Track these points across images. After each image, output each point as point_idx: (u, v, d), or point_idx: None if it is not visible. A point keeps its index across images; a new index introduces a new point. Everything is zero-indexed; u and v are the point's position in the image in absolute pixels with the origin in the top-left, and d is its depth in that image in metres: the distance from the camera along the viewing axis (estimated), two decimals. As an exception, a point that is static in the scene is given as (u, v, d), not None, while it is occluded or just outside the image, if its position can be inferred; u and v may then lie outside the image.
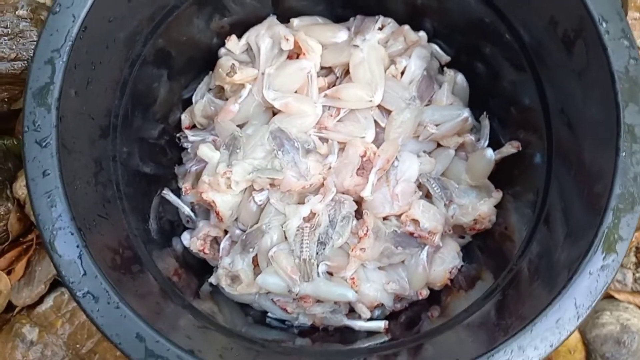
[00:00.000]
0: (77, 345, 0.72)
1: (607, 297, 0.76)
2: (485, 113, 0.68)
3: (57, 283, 0.76)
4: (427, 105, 0.68)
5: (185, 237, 0.69)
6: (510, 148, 0.63)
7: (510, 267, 0.58)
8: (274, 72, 0.65)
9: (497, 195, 0.65)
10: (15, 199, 0.75)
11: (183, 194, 0.68)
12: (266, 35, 0.68)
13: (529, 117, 0.62)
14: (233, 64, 0.66)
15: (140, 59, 0.60)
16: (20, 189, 0.75)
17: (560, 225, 0.53)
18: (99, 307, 0.44)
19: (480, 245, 0.68)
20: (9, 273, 0.76)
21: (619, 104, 0.47)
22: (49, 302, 0.75)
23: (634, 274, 0.78)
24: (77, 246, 0.44)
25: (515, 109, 0.66)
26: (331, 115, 0.66)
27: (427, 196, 0.66)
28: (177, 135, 0.73)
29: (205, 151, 0.63)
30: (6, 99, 0.74)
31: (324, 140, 0.65)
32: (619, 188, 0.46)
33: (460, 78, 0.70)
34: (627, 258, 0.78)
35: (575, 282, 0.46)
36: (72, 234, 0.44)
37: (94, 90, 0.52)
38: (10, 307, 0.76)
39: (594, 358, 0.72)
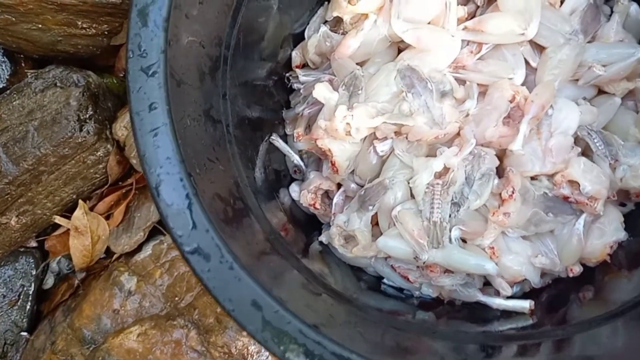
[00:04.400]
0: (176, 298, 0.68)
1: None
2: (665, 53, 0.55)
3: (156, 230, 0.72)
4: (590, 41, 0.55)
5: (294, 189, 0.61)
6: None
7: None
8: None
9: (679, 155, 0.52)
10: (115, 141, 0.71)
11: (295, 140, 0.60)
12: (395, -45, 0.57)
13: None
14: (356, -11, 0.56)
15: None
16: (120, 130, 0.71)
17: None
18: (210, 267, 0.37)
19: (647, 216, 0.56)
20: (107, 218, 0.73)
21: None
22: (147, 250, 0.72)
23: None
24: (187, 195, 0.38)
25: None
26: (471, 52, 0.55)
27: (585, 154, 0.55)
28: (287, 74, 0.65)
29: (322, 91, 0.55)
30: (106, 32, 0.69)
31: (460, 82, 0.55)
32: None
33: (634, 9, 0.56)
34: None
35: None
36: (181, 179, 0.38)
37: (205, 13, 0.44)
38: (108, 253, 0.74)
39: None
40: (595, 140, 0.53)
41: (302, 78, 0.63)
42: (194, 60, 0.43)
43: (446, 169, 0.52)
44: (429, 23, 0.55)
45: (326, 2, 0.63)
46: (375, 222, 0.56)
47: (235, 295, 0.37)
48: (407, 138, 0.54)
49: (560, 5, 0.55)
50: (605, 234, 0.53)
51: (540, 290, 0.56)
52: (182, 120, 0.39)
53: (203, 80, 0.45)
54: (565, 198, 0.52)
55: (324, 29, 0.61)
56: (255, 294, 0.37)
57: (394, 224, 0.53)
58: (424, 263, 0.52)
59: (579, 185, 0.51)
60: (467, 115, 0.53)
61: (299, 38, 0.65)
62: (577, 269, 0.54)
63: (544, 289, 0.56)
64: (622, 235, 0.53)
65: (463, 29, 0.54)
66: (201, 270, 0.37)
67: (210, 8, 0.45)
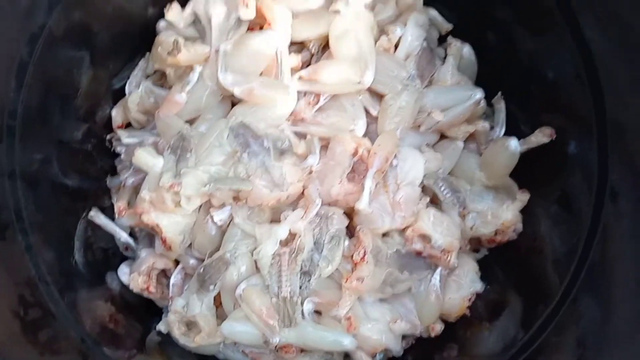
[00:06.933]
0: None
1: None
2: (500, 93, 0.54)
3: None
4: (427, 85, 0.54)
5: (124, 272, 0.53)
6: (541, 137, 0.49)
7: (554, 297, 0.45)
8: (231, 50, 0.50)
9: (523, 197, 0.51)
10: None
11: (117, 215, 0.51)
12: (218, 2, 0.51)
13: (565, 94, 0.49)
14: (176, 40, 0.50)
15: (44, 31, 0.43)
16: None
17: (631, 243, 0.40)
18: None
19: (499, 261, 0.54)
20: None
21: None
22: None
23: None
24: None
25: (540, 84, 0.52)
26: (309, 103, 0.51)
27: (433, 201, 0.52)
28: (108, 137, 0.56)
29: (144, 157, 0.48)
30: None
31: (301, 136, 0.50)
32: None
33: (467, 50, 0.56)
34: None
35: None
36: None
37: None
38: None
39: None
40: (442, 189, 0.51)
41: (125, 140, 0.55)
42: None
43: (293, 235, 0.47)
44: (260, 74, 0.50)
45: (147, 53, 0.56)
46: (219, 303, 0.49)
47: None
48: (247, 203, 0.48)
49: (395, 51, 0.53)
50: (462, 287, 0.50)
51: (405, 352, 0.52)
52: None
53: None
54: (418, 253, 0.49)
55: (147, 83, 0.54)
56: None
57: (239, 305, 0.46)
58: (276, 346, 0.46)
59: (431, 239, 0.48)
60: (311, 172, 0.49)
61: (119, 94, 0.57)
62: (439, 327, 0.51)
63: (408, 351, 0.52)
64: (479, 286, 0.51)
65: (298, 79, 0.50)
66: None
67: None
